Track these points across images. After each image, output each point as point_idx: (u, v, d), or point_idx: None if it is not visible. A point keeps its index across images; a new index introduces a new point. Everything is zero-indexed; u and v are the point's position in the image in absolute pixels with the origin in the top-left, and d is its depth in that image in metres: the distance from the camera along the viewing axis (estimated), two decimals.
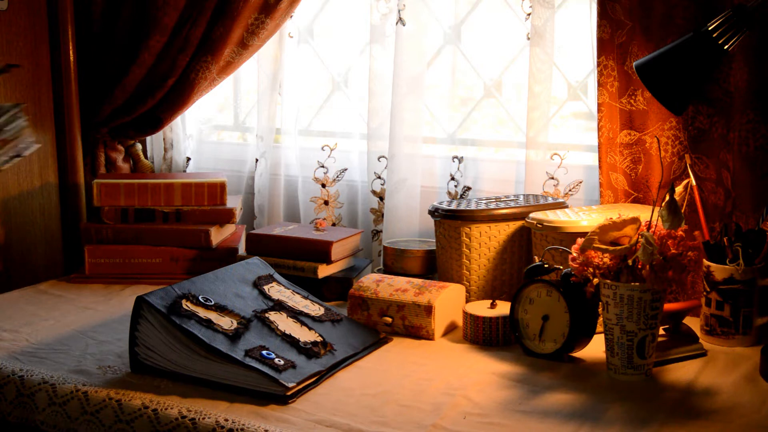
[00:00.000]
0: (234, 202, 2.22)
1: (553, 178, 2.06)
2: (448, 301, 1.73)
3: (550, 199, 1.94)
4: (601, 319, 1.55)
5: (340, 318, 1.70)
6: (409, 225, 2.19)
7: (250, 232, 2.05)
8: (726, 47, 1.59)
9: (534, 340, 1.60)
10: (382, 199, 2.24)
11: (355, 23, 2.30)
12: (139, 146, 2.48)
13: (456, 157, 2.18)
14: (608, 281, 1.48)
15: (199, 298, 1.53)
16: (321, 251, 1.96)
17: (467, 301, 1.82)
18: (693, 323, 1.71)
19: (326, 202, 2.34)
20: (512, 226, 1.85)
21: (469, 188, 2.17)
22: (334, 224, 2.33)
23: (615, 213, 1.65)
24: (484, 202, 1.91)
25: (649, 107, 1.84)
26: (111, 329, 1.73)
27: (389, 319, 1.71)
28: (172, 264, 2.10)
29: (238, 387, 1.41)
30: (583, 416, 1.34)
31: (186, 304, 1.49)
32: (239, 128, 2.56)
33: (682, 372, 1.53)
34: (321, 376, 1.47)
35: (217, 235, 2.14)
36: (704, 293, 1.68)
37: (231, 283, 1.64)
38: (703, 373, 1.53)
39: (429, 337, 1.70)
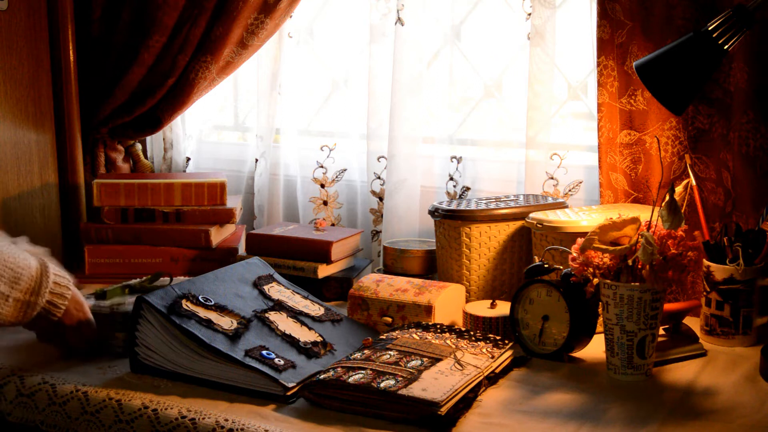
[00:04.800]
0: (234, 202, 2.22)
1: (552, 178, 2.06)
2: (448, 301, 1.73)
3: (550, 199, 1.94)
4: (601, 319, 1.55)
5: (340, 318, 1.70)
6: (408, 225, 2.19)
7: (250, 232, 2.05)
8: (726, 47, 1.59)
9: (534, 340, 1.60)
10: (381, 199, 2.24)
11: (355, 23, 2.30)
12: (139, 146, 2.48)
13: (454, 157, 2.18)
14: (608, 281, 1.48)
15: (199, 298, 1.53)
16: (321, 251, 1.96)
17: (467, 301, 1.82)
18: (693, 323, 1.71)
19: (325, 203, 2.34)
20: (512, 226, 1.85)
21: (468, 188, 2.17)
22: (333, 224, 2.33)
23: (615, 213, 1.65)
24: (484, 202, 1.91)
25: (649, 107, 1.84)
26: None
27: (389, 319, 1.71)
28: (172, 264, 2.10)
29: (238, 387, 1.41)
30: (583, 416, 1.34)
31: (186, 304, 1.49)
32: (239, 128, 2.57)
33: (682, 372, 1.53)
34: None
35: (217, 235, 2.14)
36: (704, 293, 1.68)
37: (231, 283, 1.64)
38: (703, 373, 1.53)
39: None
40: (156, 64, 2.28)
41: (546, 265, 1.62)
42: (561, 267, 1.61)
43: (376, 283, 1.76)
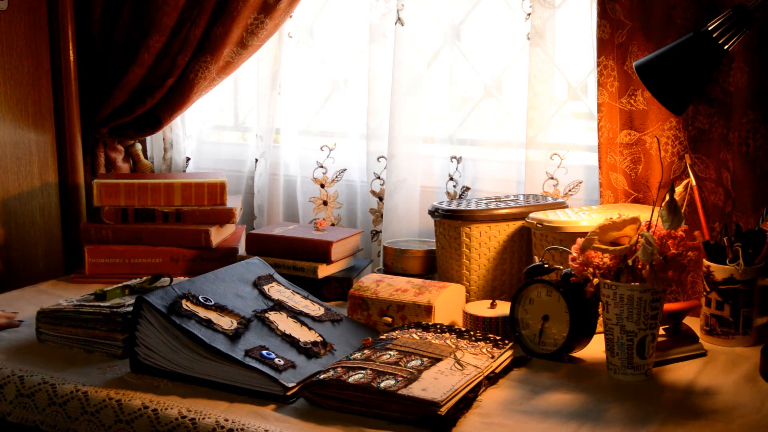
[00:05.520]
0: (234, 202, 2.22)
1: (552, 178, 2.06)
2: (448, 301, 1.73)
3: (550, 199, 1.94)
4: (601, 319, 1.55)
5: (340, 318, 1.70)
6: (408, 225, 2.19)
7: (250, 232, 2.05)
8: (726, 47, 1.59)
9: (534, 340, 1.60)
10: (381, 199, 2.24)
11: (355, 23, 2.30)
12: (138, 146, 2.49)
13: (454, 157, 2.18)
14: (608, 281, 1.48)
15: (199, 298, 1.53)
16: (321, 251, 1.96)
17: (467, 301, 1.82)
18: (693, 323, 1.71)
19: (325, 203, 2.34)
20: (512, 226, 1.85)
21: (468, 188, 2.17)
22: (333, 224, 2.33)
23: (615, 213, 1.65)
24: (484, 202, 1.91)
25: (649, 107, 1.84)
26: None
27: (389, 319, 1.71)
28: (172, 264, 2.10)
29: (238, 387, 1.41)
30: (583, 416, 1.34)
31: (186, 304, 1.49)
32: (239, 128, 2.57)
33: (682, 372, 1.53)
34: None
35: (217, 235, 2.14)
36: (704, 293, 1.68)
37: (231, 283, 1.64)
38: (703, 373, 1.53)
39: None
40: (156, 64, 2.28)
41: (546, 265, 1.62)
42: (561, 267, 1.61)
43: (376, 283, 1.76)
